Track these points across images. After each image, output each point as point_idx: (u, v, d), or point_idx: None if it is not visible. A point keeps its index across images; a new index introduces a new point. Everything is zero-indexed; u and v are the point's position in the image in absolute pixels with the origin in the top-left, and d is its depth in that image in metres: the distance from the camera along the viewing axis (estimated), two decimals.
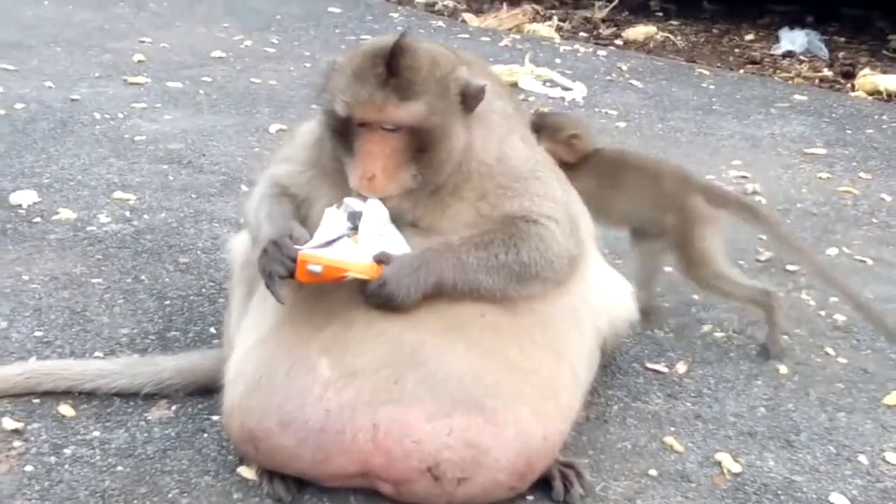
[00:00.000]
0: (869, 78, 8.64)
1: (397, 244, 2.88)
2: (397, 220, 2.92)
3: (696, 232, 3.84)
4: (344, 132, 2.89)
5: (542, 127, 3.85)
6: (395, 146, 2.84)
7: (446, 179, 2.94)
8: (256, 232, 3.06)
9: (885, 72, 8.95)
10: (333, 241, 2.82)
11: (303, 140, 3.20)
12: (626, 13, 11.56)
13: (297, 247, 2.78)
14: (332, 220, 2.87)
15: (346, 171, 2.91)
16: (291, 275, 2.77)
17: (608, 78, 8.40)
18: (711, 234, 3.87)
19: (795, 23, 10.57)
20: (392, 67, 2.80)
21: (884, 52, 9.96)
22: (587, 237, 3.34)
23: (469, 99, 2.91)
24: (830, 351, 3.91)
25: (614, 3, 11.41)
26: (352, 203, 2.86)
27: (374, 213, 2.84)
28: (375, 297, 2.80)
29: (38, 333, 3.67)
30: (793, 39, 10.07)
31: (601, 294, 3.24)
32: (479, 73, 3.09)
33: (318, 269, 2.75)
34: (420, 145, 2.84)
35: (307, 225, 2.97)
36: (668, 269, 4.53)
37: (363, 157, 2.84)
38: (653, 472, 3.10)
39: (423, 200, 2.94)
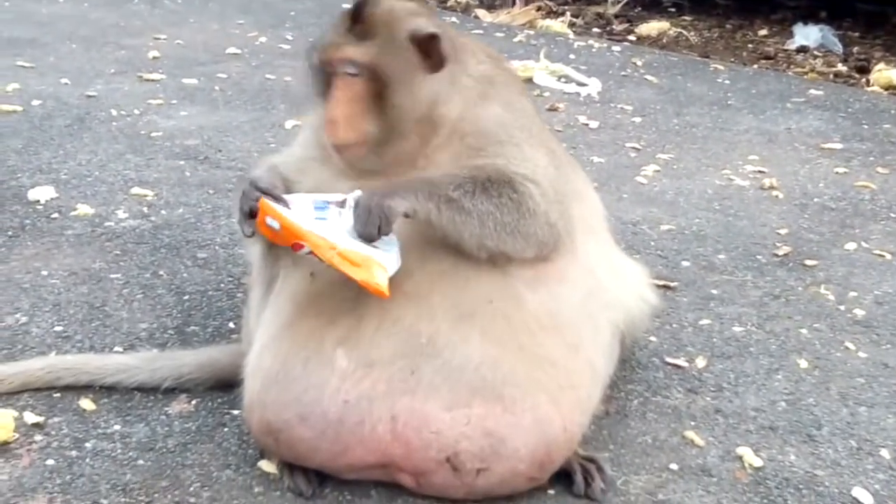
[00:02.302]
0: (884, 73, 8.61)
1: (388, 242, 2.81)
2: (366, 173, 2.96)
3: None
4: (325, 89, 2.97)
5: None
6: (357, 91, 2.90)
7: (416, 139, 2.95)
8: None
9: None
10: (321, 208, 2.80)
11: (306, 130, 3.24)
12: (639, 9, 11.54)
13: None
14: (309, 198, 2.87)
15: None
16: (254, 215, 2.78)
17: (623, 73, 8.38)
18: None
19: (809, 18, 10.54)
20: (355, 17, 2.93)
21: None
22: (594, 221, 3.30)
23: (429, 49, 2.95)
24: (850, 345, 3.90)
25: None
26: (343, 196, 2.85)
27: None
28: (357, 216, 2.75)
29: (57, 328, 3.68)
30: (807, 34, 10.05)
31: (612, 287, 3.19)
32: (478, 52, 3.15)
33: (276, 224, 2.72)
34: (379, 91, 2.90)
35: None
36: (685, 263, 4.54)
37: (329, 102, 2.93)
38: (674, 466, 3.09)
39: (392, 155, 2.95)
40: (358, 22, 2.92)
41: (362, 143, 2.92)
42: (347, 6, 2.98)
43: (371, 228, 2.73)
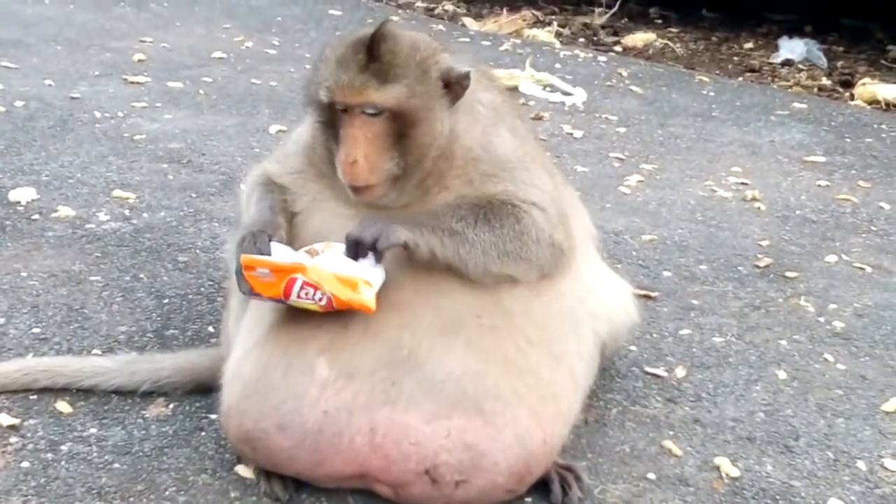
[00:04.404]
0: (868, 87, 8.64)
1: (374, 269, 2.81)
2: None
3: None
4: (331, 122, 2.91)
5: None
6: (377, 131, 2.84)
7: (431, 167, 2.93)
8: (244, 218, 3.08)
9: (883, 81, 8.96)
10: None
11: (294, 146, 3.21)
12: (625, 20, 11.56)
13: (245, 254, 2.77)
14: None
15: (336, 166, 2.91)
16: None
17: (608, 83, 8.40)
18: None
19: (794, 32, 10.59)
20: (373, 53, 2.82)
21: (882, 61, 9.97)
22: (584, 237, 3.33)
23: (453, 85, 2.92)
24: (829, 357, 3.91)
25: (613, 10, 11.42)
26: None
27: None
28: (353, 235, 2.76)
29: (35, 330, 3.66)
30: (792, 48, 10.09)
31: (600, 297, 3.22)
32: (481, 77, 3.12)
33: (265, 271, 2.71)
34: (402, 130, 2.85)
35: (295, 221, 3.04)
36: (667, 273, 4.55)
37: (346, 143, 2.85)
38: (651, 475, 3.09)
39: (409, 190, 2.94)
40: (375, 59, 2.82)
41: (382, 183, 2.88)
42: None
43: (367, 235, 2.74)
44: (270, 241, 2.83)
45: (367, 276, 2.75)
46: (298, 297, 2.72)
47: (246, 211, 3.11)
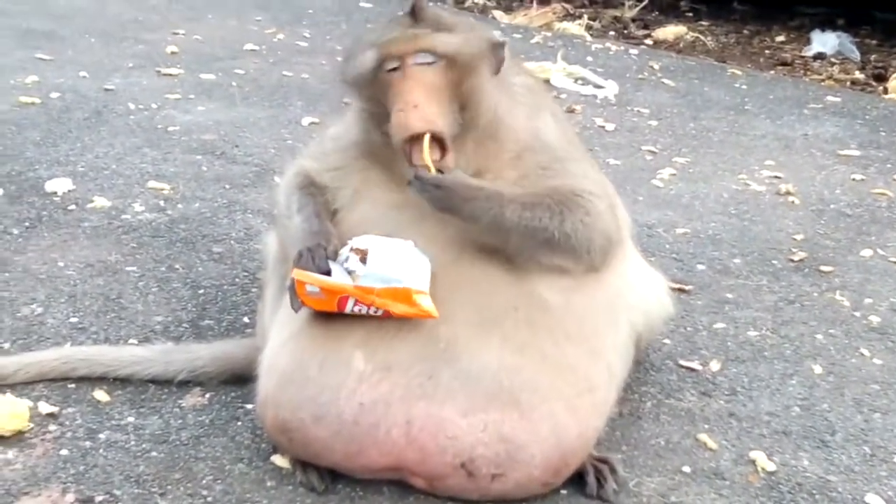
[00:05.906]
0: None
1: (420, 265, 2.80)
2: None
3: None
4: (379, 94, 2.88)
5: None
6: (433, 80, 2.82)
7: (481, 137, 2.91)
8: (288, 224, 3.06)
9: None
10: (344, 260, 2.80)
11: (332, 143, 3.20)
12: (656, 13, 11.52)
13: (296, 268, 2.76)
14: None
15: (388, 139, 2.86)
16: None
17: (640, 76, 8.37)
18: None
19: (827, 25, 10.50)
20: (416, 16, 2.86)
21: None
22: (624, 228, 3.32)
23: (495, 50, 2.95)
24: (866, 352, 3.88)
25: (644, 3, 11.37)
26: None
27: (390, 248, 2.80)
28: (420, 182, 2.74)
29: (73, 319, 3.69)
30: (824, 41, 10.01)
31: (637, 289, 3.20)
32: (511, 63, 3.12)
33: (315, 289, 2.71)
34: (459, 81, 2.83)
35: (336, 218, 3.02)
36: (700, 266, 4.53)
37: (401, 95, 2.79)
38: (686, 468, 3.08)
39: (469, 155, 2.90)
40: (421, 20, 2.86)
41: (451, 139, 2.82)
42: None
43: (433, 191, 2.74)
44: (327, 256, 2.80)
45: (417, 284, 2.73)
46: (353, 311, 2.75)
47: (288, 217, 3.08)
